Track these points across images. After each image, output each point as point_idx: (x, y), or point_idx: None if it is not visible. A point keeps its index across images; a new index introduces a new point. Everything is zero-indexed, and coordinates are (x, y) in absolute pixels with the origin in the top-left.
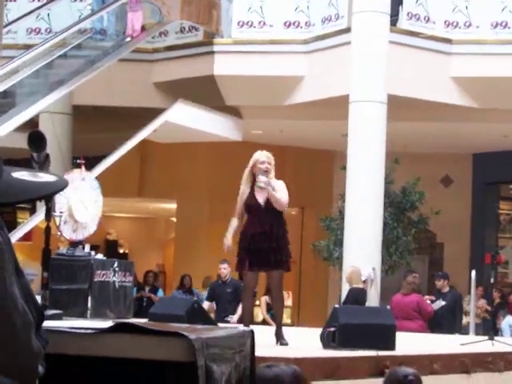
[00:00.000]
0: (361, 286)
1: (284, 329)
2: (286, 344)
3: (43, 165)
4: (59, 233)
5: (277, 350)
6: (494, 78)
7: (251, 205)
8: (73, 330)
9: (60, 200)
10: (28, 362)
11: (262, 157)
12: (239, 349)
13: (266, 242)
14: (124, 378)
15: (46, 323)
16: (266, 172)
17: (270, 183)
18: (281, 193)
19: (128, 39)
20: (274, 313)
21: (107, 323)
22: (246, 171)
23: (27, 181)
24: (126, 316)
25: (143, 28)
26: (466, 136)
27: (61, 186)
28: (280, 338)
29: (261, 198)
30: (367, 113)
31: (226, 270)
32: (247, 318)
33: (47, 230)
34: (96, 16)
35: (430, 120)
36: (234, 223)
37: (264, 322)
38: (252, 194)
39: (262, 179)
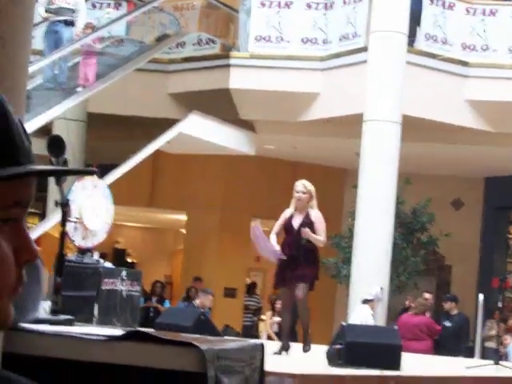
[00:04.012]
0: None
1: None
2: (308, 350)
3: None
4: (70, 239)
5: (283, 365)
6: (510, 103)
7: (288, 228)
8: (85, 337)
9: (72, 206)
10: None
11: (299, 186)
12: (249, 362)
13: (296, 261)
14: None
15: (59, 328)
16: (298, 201)
17: (307, 233)
18: (318, 231)
19: (80, 89)
20: (301, 320)
21: (119, 331)
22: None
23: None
24: (132, 325)
25: (98, 76)
26: (478, 159)
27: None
28: (305, 344)
29: (296, 223)
30: (381, 132)
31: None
32: (285, 334)
33: (62, 235)
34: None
35: (444, 142)
36: (273, 238)
37: (269, 338)
38: (290, 218)
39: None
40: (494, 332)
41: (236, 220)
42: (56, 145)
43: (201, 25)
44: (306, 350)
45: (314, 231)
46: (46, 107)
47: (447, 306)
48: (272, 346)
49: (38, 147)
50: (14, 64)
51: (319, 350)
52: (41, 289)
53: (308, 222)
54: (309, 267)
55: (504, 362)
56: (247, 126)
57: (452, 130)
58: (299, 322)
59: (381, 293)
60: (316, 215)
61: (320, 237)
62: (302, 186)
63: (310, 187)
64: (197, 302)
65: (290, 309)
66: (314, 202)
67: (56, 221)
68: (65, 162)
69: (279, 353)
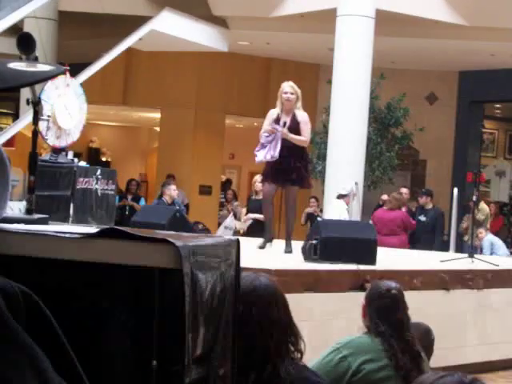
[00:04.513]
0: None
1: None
2: (290, 252)
3: None
4: (44, 138)
5: (259, 260)
6: None
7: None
8: (59, 235)
9: (45, 106)
10: None
11: (286, 87)
12: (225, 257)
13: (287, 162)
14: (109, 284)
15: (32, 227)
16: (287, 101)
17: (287, 135)
18: (303, 131)
19: None
20: (286, 222)
21: (93, 228)
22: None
23: (24, 69)
24: (108, 224)
25: None
26: (453, 54)
27: (57, 71)
28: (286, 246)
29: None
30: (354, 27)
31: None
32: (268, 226)
33: (34, 134)
34: None
35: (418, 36)
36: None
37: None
38: (278, 120)
39: (278, 129)
40: (467, 225)
41: (210, 117)
42: (26, 42)
43: None
44: (288, 251)
45: (299, 131)
46: (13, 7)
47: (422, 200)
48: (250, 242)
49: (9, 46)
50: None
51: (295, 246)
52: (8, 187)
53: (295, 124)
54: (299, 167)
55: (478, 255)
56: (220, 22)
57: (426, 24)
58: (285, 223)
59: (356, 188)
60: (302, 115)
61: (303, 137)
62: (290, 87)
63: (297, 88)
64: (165, 197)
65: (272, 202)
66: (300, 104)
67: (29, 120)
68: (35, 60)
69: (263, 246)
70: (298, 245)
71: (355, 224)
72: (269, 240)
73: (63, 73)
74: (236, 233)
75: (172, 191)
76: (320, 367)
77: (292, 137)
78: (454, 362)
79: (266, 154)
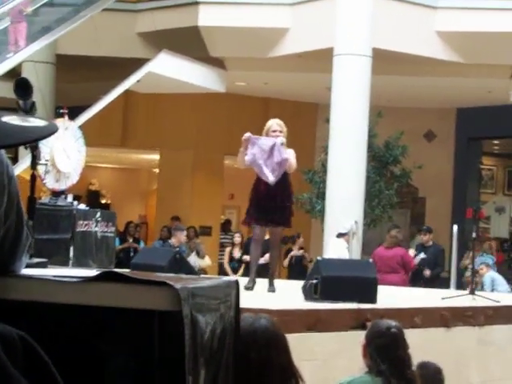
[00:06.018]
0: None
1: (266, 280)
2: (273, 291)
3: (29, 112)
4: (43, 182)
5: (259, 301)
6: (479, 33)
7: None
8: (58, 279)
9: (43, 149)
10: None
11: (274, 125)
12: (224, 299)
13: (272, 201)
14: (108, 327)
15: (31, 271)
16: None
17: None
18: (291, 158)
19: (11, 54)
20: (271, 259)
21: (92, 272)
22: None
23: (17, 125)
24: (108, 266)
25: (29, 39)
26: (450, 91)
27: (51, 130)
28: (270, 285)
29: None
30: (351, 66)
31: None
32: (254, 269)
33: (32, 178)
34: None
35: (415, 74)
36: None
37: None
38: None
39: (282, 140)
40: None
41: (209, 158)
42: (23, 88)
43: None
44: (271, 290)
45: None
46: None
47: (424, 238)
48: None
49: (6, 90)
50: None
51: (295, 286)
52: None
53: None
54: (284, 207)
55: (480, 292)
56: (217, 63)
57: (422, 61)
58: (269, 261)
59: (355, 226)
60: (289, 151)
61: (292, 161)
62: (278, 125)
63: (284, 126)
64: (172, 240)
65: (261, 244)
66: (285, 140)
67: (27, 164)
68: (32, 105)
69: (252, 288)
70: (279, 284)
71: (355, 263)
72: (254, 282)
73: (57, 130)
74: (201, 271)
75: (183, 236)
76: None
77: (285, 152)
78: None
79: (263, 169)
